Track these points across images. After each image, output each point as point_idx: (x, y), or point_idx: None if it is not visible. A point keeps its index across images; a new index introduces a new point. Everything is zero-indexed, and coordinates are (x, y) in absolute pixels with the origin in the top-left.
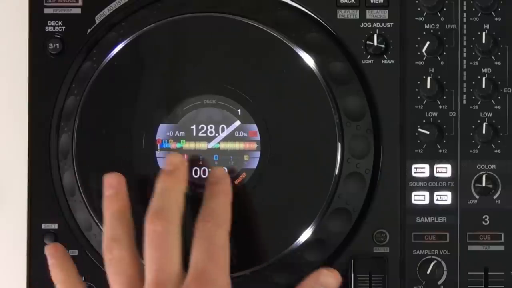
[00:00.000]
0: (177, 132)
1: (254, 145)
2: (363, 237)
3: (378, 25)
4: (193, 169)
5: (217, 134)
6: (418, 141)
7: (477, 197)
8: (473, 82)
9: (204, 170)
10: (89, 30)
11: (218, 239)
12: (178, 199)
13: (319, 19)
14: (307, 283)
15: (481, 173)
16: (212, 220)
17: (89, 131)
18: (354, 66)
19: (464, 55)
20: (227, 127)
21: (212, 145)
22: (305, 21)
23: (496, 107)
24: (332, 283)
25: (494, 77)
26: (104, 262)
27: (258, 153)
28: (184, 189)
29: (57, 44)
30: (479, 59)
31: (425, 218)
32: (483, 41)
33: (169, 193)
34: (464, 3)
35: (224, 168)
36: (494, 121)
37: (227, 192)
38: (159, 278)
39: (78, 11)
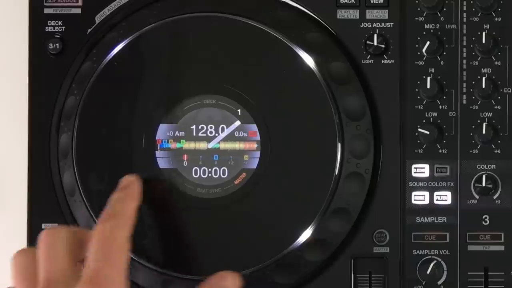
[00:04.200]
0: (177, 132)
1: (254, 145)
2: (363, 237)
3: (378, 25)
4: (193, 169)
5: (217, 134)
6: (418, 141)
7: (477, 197)
8: (473, 82)
9: (204, 170)
10: (89, 30)
11: (116, 239)
12: None
13: (319, 19)
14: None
15: (481, 173)
16: (112, 221)
17: (89, 131)
18: (354, 66)
19: (464, 55)
20: (227, 127)
21: (212, 145)
22: (305, 21)
23: (496, 107)
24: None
25: (494, 77)
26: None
27: (258, 153)
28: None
29: (57, 44)
30: (479, 59)
31: (425, 218)
32: (483, 41)
33: None
34: (464, 3)
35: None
36: (494, 121)
37: (133, 196)
38: (49, 276)
39: (78, 11)
